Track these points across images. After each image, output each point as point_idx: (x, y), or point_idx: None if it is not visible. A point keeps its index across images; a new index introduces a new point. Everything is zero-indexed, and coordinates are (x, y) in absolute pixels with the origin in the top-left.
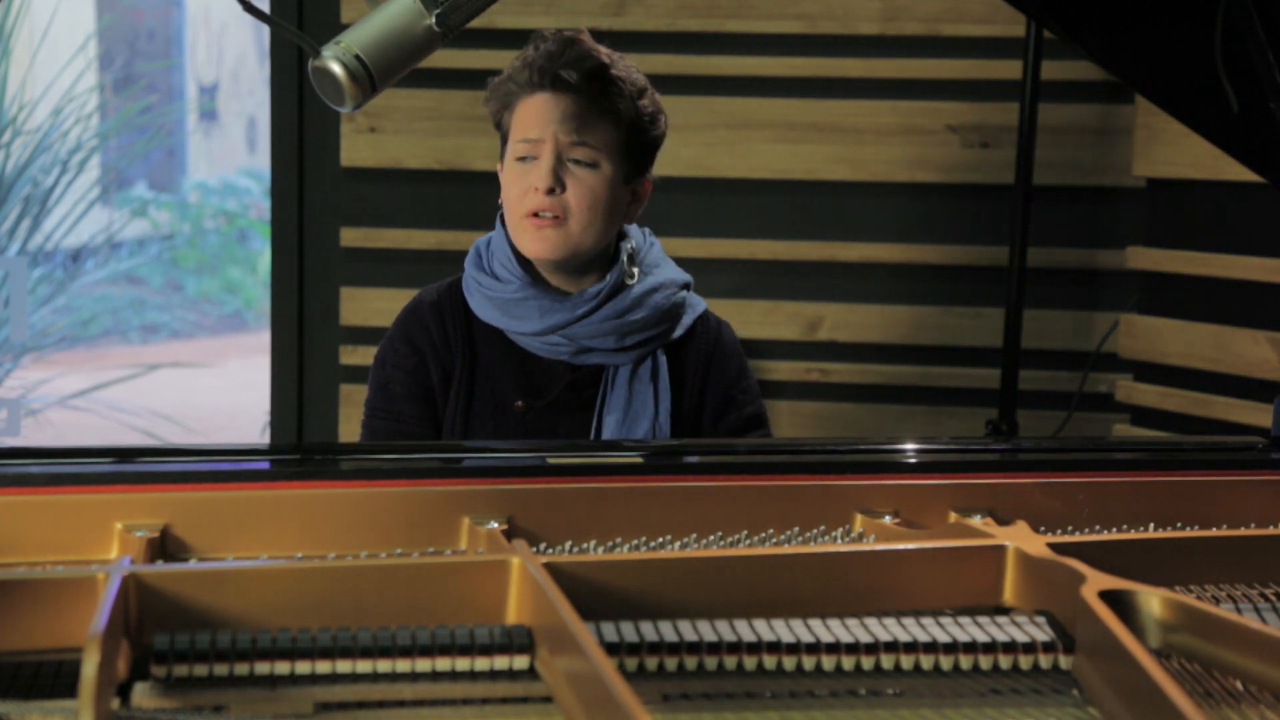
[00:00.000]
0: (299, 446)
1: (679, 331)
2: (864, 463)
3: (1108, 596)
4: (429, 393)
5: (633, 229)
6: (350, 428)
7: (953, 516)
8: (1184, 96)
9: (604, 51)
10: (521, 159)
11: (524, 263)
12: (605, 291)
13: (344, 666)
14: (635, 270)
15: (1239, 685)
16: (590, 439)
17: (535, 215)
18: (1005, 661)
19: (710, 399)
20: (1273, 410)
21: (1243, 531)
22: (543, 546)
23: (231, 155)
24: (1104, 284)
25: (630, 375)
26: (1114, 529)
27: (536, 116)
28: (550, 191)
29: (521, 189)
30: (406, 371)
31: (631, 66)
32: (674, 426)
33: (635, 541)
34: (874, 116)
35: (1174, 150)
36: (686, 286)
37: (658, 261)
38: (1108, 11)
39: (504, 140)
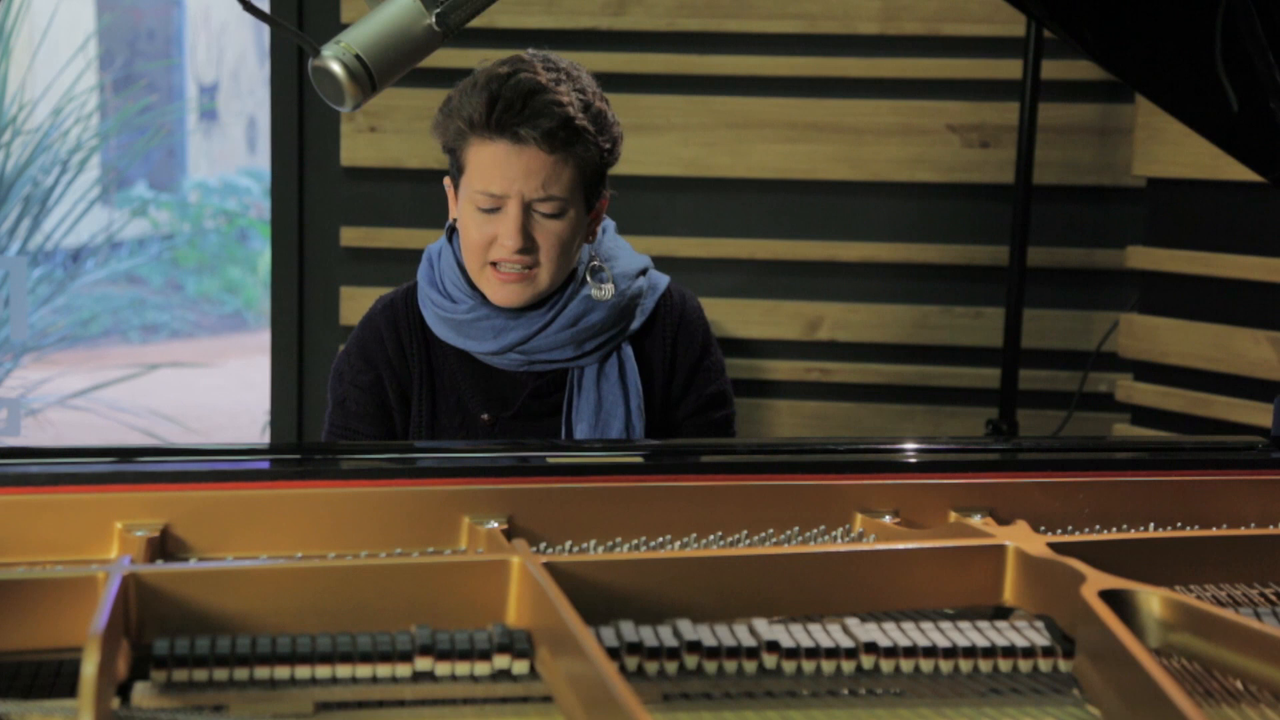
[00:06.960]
0: (299, 446)
1: (639, 321)
2: (864, 463)
3: (1108, 596)
4: (385, 410)
5: None
6: None
7: (953, 516)
8: (1184, 96)
9: (564, 93)
10: (483, 209)
11: (475, 283)
12: (560, 305)
13: (344, 671)
14: (607, 286)
15: (1239, 685)
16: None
17: (500, 267)
18: (1005, 665)
19: (679, 374)
20: (1273, 410)
21: (1243, 531)
22: (543, 546)
23: (231, 155)
24: (1104, 284)
25: (597, 375)
26: (1114, 529)
27: (498, 169)
28: (520, 250)
29: (483, 238)
30: (362, 388)
31: (587, 88)
32: (647, 411)
33: (635, 541)
34: (874, 116)
35: (1174, 150)
36: (643, 272)
37: (613, 252)
38: (1108, 11)
39: (456, 166)
